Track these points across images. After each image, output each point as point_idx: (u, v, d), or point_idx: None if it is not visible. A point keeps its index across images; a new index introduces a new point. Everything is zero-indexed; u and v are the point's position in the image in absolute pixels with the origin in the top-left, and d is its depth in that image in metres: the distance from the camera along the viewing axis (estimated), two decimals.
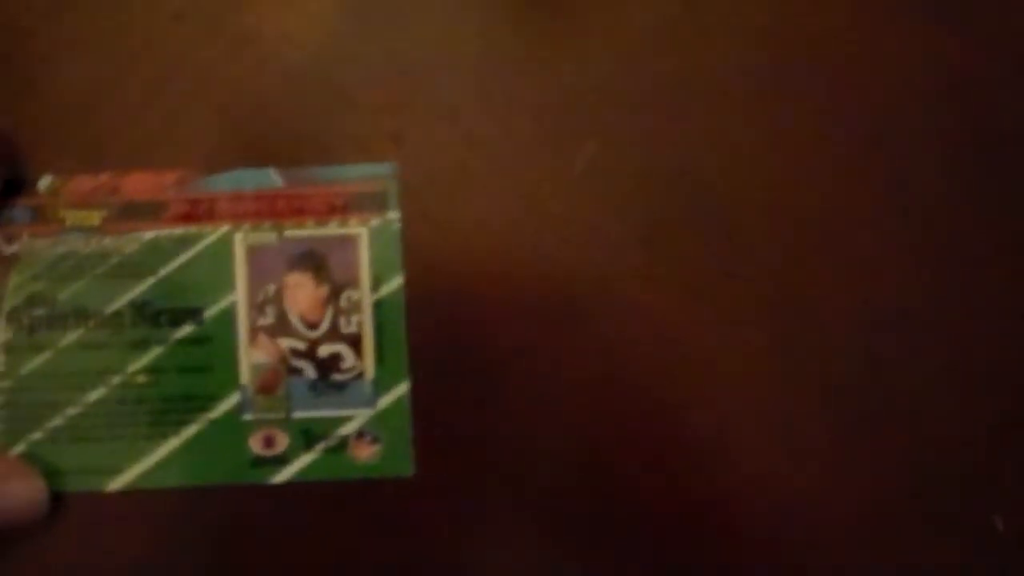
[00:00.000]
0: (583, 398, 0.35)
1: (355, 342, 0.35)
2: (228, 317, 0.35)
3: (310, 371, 0.35)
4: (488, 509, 0.35)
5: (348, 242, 0.35)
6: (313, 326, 0.35)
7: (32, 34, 0.36)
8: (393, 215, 0.36)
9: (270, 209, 0.35)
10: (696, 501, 0.35)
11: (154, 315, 0.35)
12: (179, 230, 0.35)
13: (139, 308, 0.35)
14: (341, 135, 0.36)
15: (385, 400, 0.35)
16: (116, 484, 0.35)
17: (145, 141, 0.36)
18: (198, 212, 0.35)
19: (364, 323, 0.35)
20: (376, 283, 0.35)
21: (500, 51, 0.36)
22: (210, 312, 0.35)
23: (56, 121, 0.36)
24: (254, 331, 0.35)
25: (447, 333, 0.35)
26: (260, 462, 0.35)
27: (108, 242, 0.35)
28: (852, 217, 0.36)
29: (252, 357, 0.35)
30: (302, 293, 0.35)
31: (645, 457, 0.35)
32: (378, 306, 0.35)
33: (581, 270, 0.36)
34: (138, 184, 0.35)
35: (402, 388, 0.35)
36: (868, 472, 0.35)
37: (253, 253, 0.35)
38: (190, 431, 0.35)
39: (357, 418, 0.35)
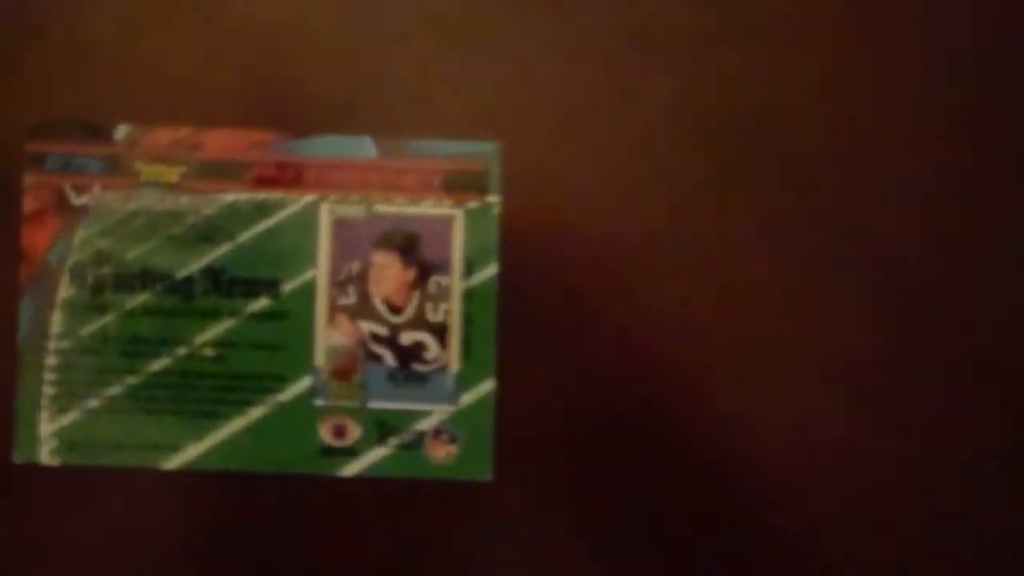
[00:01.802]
0: (684, 401, 0.33)
1: (441, 332, 0.33)
2: (307, 293, 0.33)
3: (390, 359, 0.33)
4: (566, 525, 0.32)
5: (442, 223, 0.33)
6: (397, 310, 0.33)
7: None
8: (493, 198, 0.33)
9: (361, 181, 0.33)
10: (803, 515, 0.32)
11: (228, 284, 0.33)
12: (261, 195, 0.33)
13: (212, 275, 0.33)
14: (432, 106, 0.33)
15: (468, 397, 0.33)
16: (172, 462, 0.33)
17: (230, 94, 0.33)
18: (284, 177, 0.33)
19: (452, 312, 0.33)
20: (468, 270, 0.33)
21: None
22: (288, 286, 0.33)
23: (136, 66, 0.33)
24: (333, 310, 0.33)
25: (540, 330, 0.33)
26: (329, 452, 0.33)
27: (184, 201, 0.33)
28: (932, 165, 0.33)
29: (329, 338, 0.33)
30: (388, 274, 0.33)
31: (742, 463, 0.32)
32: (469, 295, 0.33)
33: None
34: (221, 141, 0.33)
35: (487, 386, 0.33)
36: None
37: (339, 226, 0.33)
38: (256, 413, 0.33)
39: (436, 414, 0.33)
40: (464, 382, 0.33)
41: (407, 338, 0.33)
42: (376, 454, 0.33)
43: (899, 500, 0.33)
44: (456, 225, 0.33)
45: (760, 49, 0.33)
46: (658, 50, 0.33)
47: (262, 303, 0.33)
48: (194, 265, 0.33)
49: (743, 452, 0.33)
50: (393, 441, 0.33)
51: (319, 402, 0.33)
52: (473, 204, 0.33)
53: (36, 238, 0.33)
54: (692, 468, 0.33)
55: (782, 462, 0.33)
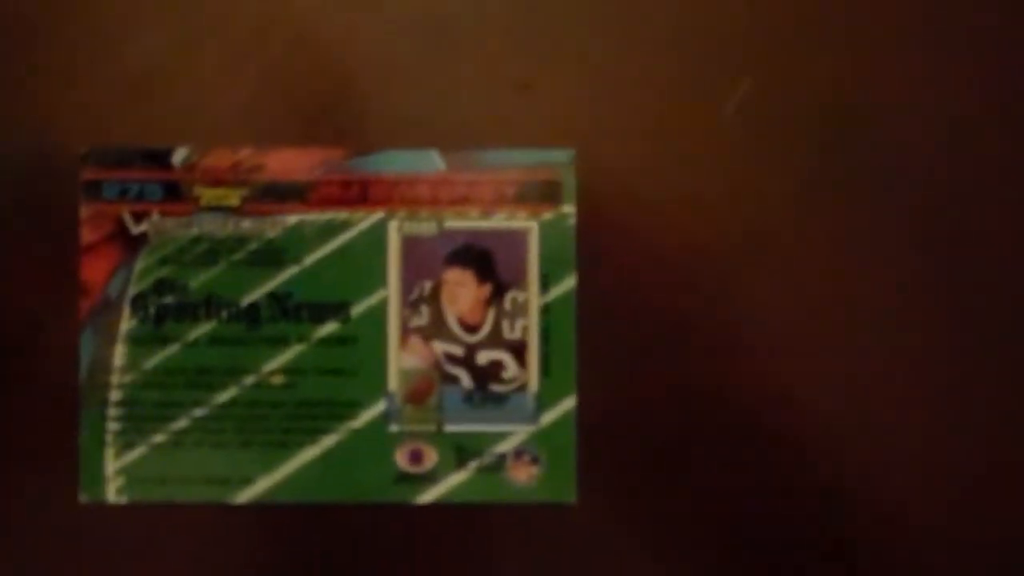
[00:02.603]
0: (766, 419, 0.31)
1: (519, 349, 0.31)
2: (377, 315, 0.31)
3: (466, 380, 0.31)
4: (652, 547, 0.31)
5: (516, 237, 0.31)
6: (472, 329, 0.31)
7: None
8: (568, 208, 0.32)
9: (430, 196, 0.32)
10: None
11: (295, 309, 0.31)
12: (327, 215, 0.32)
13: (278, 300, 0.31)
14: (501, 113, 0.32)
15: (549, 416, 0.31)
16: (244, 496, 0.31)
17: (290, 112, 0.32)
18: (349, 196, 0.32)
19: (530, 328, 0.31)
20: (545, 284, 0.31)
21: None
22: (357, 309, 0.31)
23: (192, 88, 0.32)
24: (406, 332, 0.31)
25: (621, 344, 0.31)
26: (405, 479, 0.31)
27: (247, 225, 0.32)
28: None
29: (402, 361, 0.31)
30: (462, 292, 0.31)
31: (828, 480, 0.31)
32: (546, 310, 0.31)
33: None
34: (283, 162, 0.32)
35: (568, 403, 0.31)
36: None
37: (409, 244, 0.31)
38: (329, 441, 0.31)
39: (517, 435, 0.31)
40: (544, 401, 0.31)
41: (484, 357, 0.31)
42: (455, 479, 0.31)
43: (1004, 516, 0.31)
44: (531, 238, 0.31)
45: (843, 47, 0.32)
46: (737, 50, 0.31)
47: (331, 327, 0.31)
48: (259, 291, 0.32)
49: (835, 471, 0.31)
50: (472, 465, 0.31)
51: (394, 428, 0.31)
52: (548, 215, 0.32)
53: (95, 270, 0.32)
54: (781, 486, 0.31)
55: (875, 481, 0.31)
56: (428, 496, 0.31)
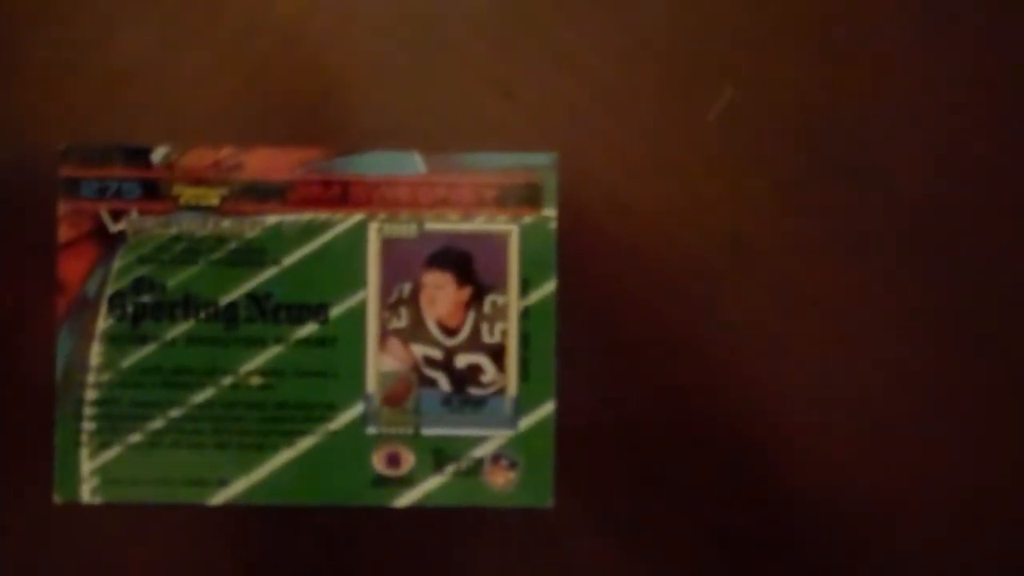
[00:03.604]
0: (747, 424, 0.31)
1: (497, 353, 0.31)
2: (356, 317, 0.31)
3: (444, 383, 0.31)
4: (630, 551, 0.31)
5: (496, 240, 0.31)
6: (451, 332, 0.31)
7: None
8: (549, 212, 0.31)
9: (411, 198, 0.31)
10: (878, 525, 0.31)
11: (273, 310, 0.31)
12: (307, 216, 0.31)
13: (257, 301, 0.31)
14: (480, 115, 0.32)
15: (527, 421, 0.31)
16: (219, 498, 0.31)
17: (271, 112, 0.32)
18: (329, 197, 0.31)
19: (509, 332, 0.31)
20: (525, 287, 0.31)
21: None
22: (336, 310, 0.31)
23: (173, 86, 0.32)
24: (384, 334, 0.31)
25: (600, 348, 0.31)
26: (382, 482, 0.31)
27: (226, 225, 0.31)
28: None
29: (380, 364, 0.31)
30: (441, 295, 0.31)
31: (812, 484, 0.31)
32: (526, 314, 0.31)
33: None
34: (263, 161, 0.31)
35: (547, 408, 0.31)
36: None
37: (388, 246, 0.31)
38: (306, 443, 0.31)
39: (494, 439, 0.31)
40: (523, 405, 0.31)
41: (462, 361, 0.31)
42: (432, 483, 0.31)
43: (993, 523, 0.31)
44: (511, 241, 0.31)
45: (825, 53, 0.32)
46: (719, 56, 0.31)
47: (310, 328, 0.31)
48: (238, 291, 0.31)
49: (817, 473, 0.31)
50: (450, 469, 0.31)
51: (371, 430, 0.31)
52: (528, 219, 0.31)
53: (73, 268, 0.31)
54: (761, 490, 0.31)
55: (860, 484, 0.31)
56: (405, 500, 0.31)
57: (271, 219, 0.31)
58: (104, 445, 0.31)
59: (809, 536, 0.31)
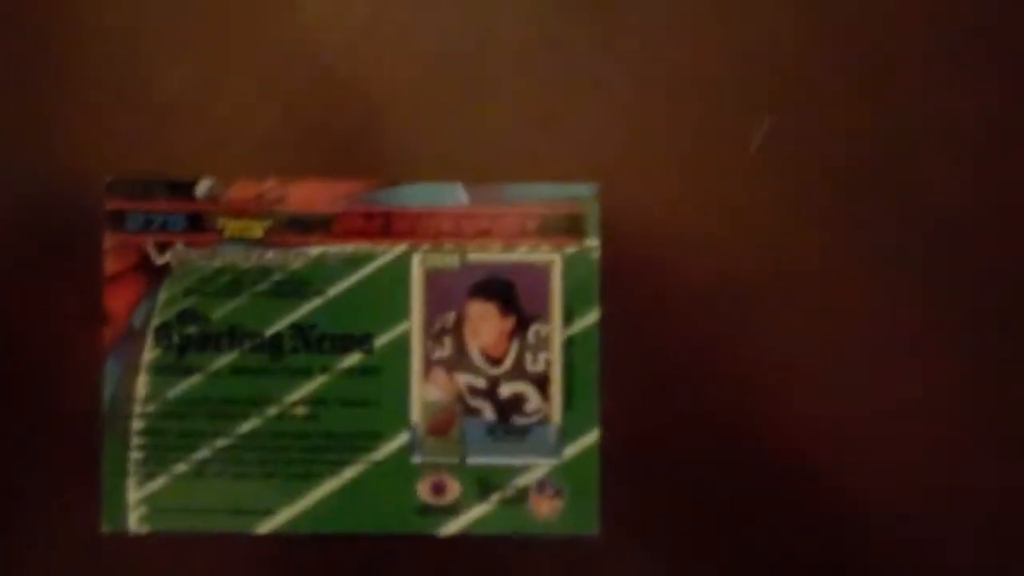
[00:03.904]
0: (791, 450, 0.31)
1: (541, 382, 0.31)
2: (400, 347, 0.31)
3: (489, 412, 0.31)
4: None
5: (539, 270, 0.32)
6: (495, 362, 0.32)
7: (196, 30, 0.33)
8: (591, 242, 0.32)
9: (453, 229, 0.32)
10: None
11: (318, 340, 0.31)
12: (350, 247, 0.32)
13: (302, 332, 0.31)
14: (524, 149, 0.32)
15: (572, 449, 0.31)
16: (265, 527, 0.31)
17: (314, 144, 0.32)
18: (372, 228, 0.32)
19: (553, 361, 0.31)
20: (568, 317, 0.31)
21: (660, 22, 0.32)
22: (381, 340, 0.31)
23: (216, 120, 0.32)
24: (429, 364, 0.31)
25: (644, 377, 0.31)
26: (428, 511, 0.31)
27: (270, 256, 0.32)
28: None
29: (425, 393, 0.31)
30: (485, 325, 0.31)
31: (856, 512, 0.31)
32: (570, 343, 0.31)
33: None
34: (306, 193, 0.32)
35: (591, 437, 0.31)
36: None
37: (432, 277, 0.32)
38: (351, 472, 0.31)
39: (539, 468, 0.31)
40: (567, 434, 0.31)
41: (506, 390, 0.32)
42: (477, 511, 0.31)
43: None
44: (554, 271, 0.32)
45: (866, 85, 0.32)
46: (760, 87, 0.31)
47: (354, 359, 0.32)
48: (282, 322, 0.32)
49: (862, 501, 0.31)
50: (495, 497, 0.31)
51: (416, 459, 0.31)
52: (571, 249, 0.32)
53: (119, 300, 0.32)
54: (807, 518, 0.31)
55: (909, 509, 0.31)
56: (450, 528, 0.31)
57: (315, 251, 0.32)
58: (151, 475, 0.31)
59: (859, 560, 0.31)
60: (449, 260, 0.32)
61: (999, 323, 0.32)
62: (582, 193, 0.32)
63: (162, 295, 0.32)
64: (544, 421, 0.31)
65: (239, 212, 0.32)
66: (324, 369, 0.32)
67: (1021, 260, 0.32)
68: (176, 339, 0.32)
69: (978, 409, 0.32)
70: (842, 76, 0.32)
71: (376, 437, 0.32)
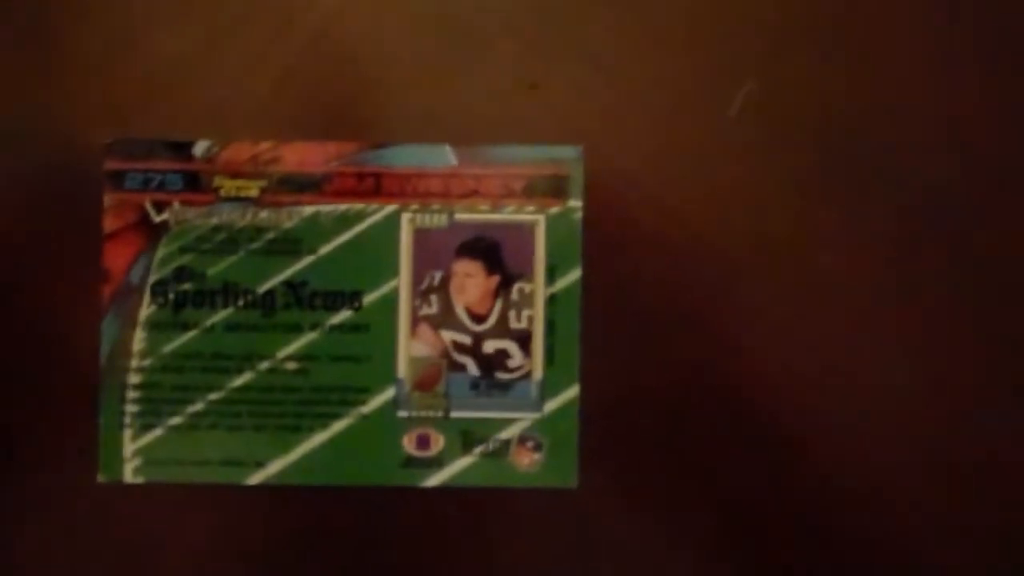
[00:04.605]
0: (766, 404, 0.32)
1: (524, 339, 0.32)
2: (389, 304, 0.32)
3: (473, 368, 0.32)
4: (653, 529, 0.32)
5: (524, 230, 0.33)
6: (480, 319, 0.33)
7: None
8: (575, 203, 0.33)
9: (441, 189, 0.33)
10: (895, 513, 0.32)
11: (309, 297, 0.33)
12: (342, 206, 0.33)
13: (294, 289, 0.33)
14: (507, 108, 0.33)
15: (552, 404, 0.32)
16: (256, 478, 0.32)
17: (307, 106, 0.33)
18: (363, 188, 0.33)
19: (536, 319, 0.32)
20: (551, 276, 0.32)
21: None
22: (370, 297, 0.32)
23: (213, 82, 0.33)
24: (416, 321, 0.33)
25: (623, 334, 0.32)
26: (413, 463, 0.32)
27: (265, 215, 0.33)
28: None
29: (412, 349, 0.32)
30: (471, 283, 0.32)
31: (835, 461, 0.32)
32: (552, 301, 0.32)
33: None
34: (300, 154, 0.33)
35: (571, 392, 0.32)
36: None
37: (420, 236, 0.33)
38: (339, 426, 0.32)
39: (521, 422, 0.32)
40: (548, 389, 0.32)
41: (490, 346, 0.33)
42: (461, 464, 0.32)
43: (1014, 505, 0.32)
44: (538, 231, 0.33)
45: (846, 49, 0.33)
46: (742, 51, 0.33)
47: (344, 315, 0.33)
48: (275, 279, 0.33)
49: (837, 449, 0.32)
50: (478, 450, 0.32)
51: (402, 413, 0.32)
52: (555, 209, 0.33)
53: (117, 257, 0.33)
54: (781, 469, 0.32)
55: (878, 459, 0.32)
56: (434, 480, 0.32)
57: (308, 210, 0.33)
58: (146, 427, 0.32)
59: (832, 511, 0.32)
60: (437, 220, 0.33)
61: (976, 288, 0.33)
62: (566, 155, 0.33)
63: (159, 252, 0.33)
64: (526, 377, 0.32)
65: (235, 172, 0.33)
66: (315, 325, 0.33)
67: (1000, 225, 0.33)
68: (172, 295, 0.33)
69: (954, 370, 0.32)
70: (822, 39, 0.33)
71: (364, 391, 0.32)
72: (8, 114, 0.33)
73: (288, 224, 0.33)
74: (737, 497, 0.32)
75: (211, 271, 0.33)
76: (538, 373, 0.32)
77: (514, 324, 0.32)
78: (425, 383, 0.32)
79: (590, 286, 0.32)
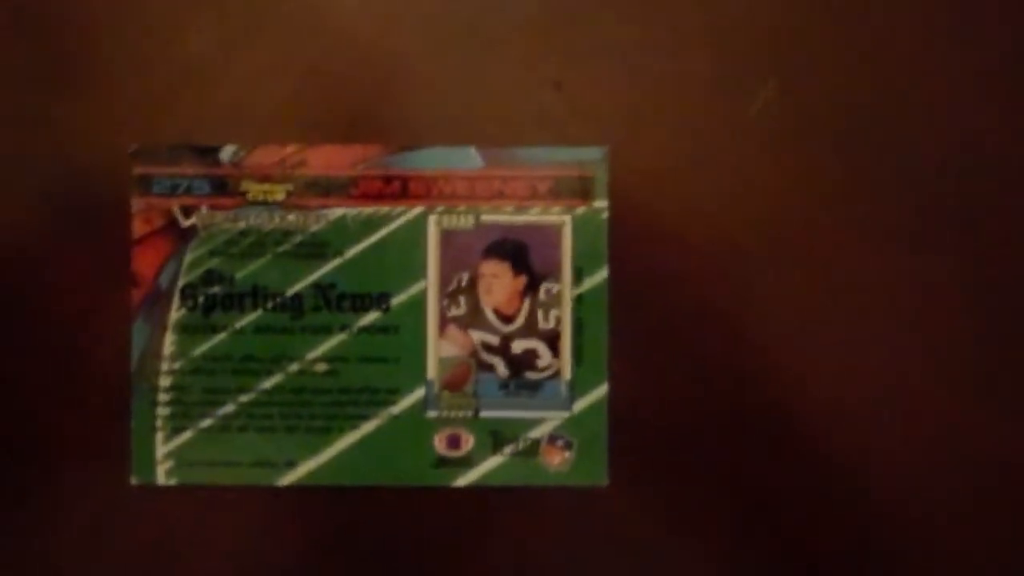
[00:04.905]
0: (791, 404, 0.32)
1: (552, 339, 0.33)
2: (417, 305, 0.33)
3: (502, 368, 0.33)
4: (682, 529, 0.32)
5: (550, 230, 0.33)
6: (508, 319, 0.33)
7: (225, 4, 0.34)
8: (600, 203, 0.33)
9: (468, 191, 0.33)
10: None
11: (338, 299, 0.33)
12: (369, 209, 0.33)
13: (322, 291, 0.33)
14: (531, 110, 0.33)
15: (582, 403, 0.33)
16: (287, 479, 0.33)
17: (333, 110, 0.33)
18: (390, 191, 0.33)
19: (564, 319, 0.33)
20: (578, 276, 0.33)
21: None
22: (398, 299, 0.33)
23: (239, 86, 0.33)
24: (444, 322, 0.33)
25: (651, 333, 0.33)
26: (443, 463, 0.33)
27: (292, 219, 0.33)
28: None
29: (441, 350, 0.33)
30: (498, 283, 0.33)
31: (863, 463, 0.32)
32: (579, 301, 0.33)
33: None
34: (326, 158, 0.33)
35: (601, 391, 0.33)
36: None
37: (447, 237, 0.33)
38: (370, 426, 0.33)
39: (550, 421, 0.33)
40: (577, 388, 0.33)
41: (519, 346, 0.33)
42: (491, 463, 0.33)
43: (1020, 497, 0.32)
44: (565, 231, 0.33)
45: (866, 50, 0.33)
46: (764, 51, 0.33)
47: (372, 317, 0.33)
48: (303, 281, 0.33)
49: (864, 452, 0.32)
50: (508, 450, 0.33)
51: (432, 414, 0.33)
52: (581, 210, 0.33)
53: (146, 261, 0.33)
54: (810, 468, 0.32)
55: (907, 462, 0.32)
56: (465, 480, 0.33)
57: (335, 213, 0.33)
58: (177, 430, 0.33)
59: (858, 512, 0.32)
60: (464, 221, 0.33)
61: (991, 284, 0.33)
62: (592, 156, 0.33)
63: (188, 257, 0.33)
64: (555, 376, 0.33)
65: (262, 176, 0.33)
66: (343, 327, 0.33)
67: (1017, 224, 0.33)
68: (201, 299, 0.33)
69: (967, 366, 0.33)
70: (842, 40, 0.33)
71: (393, 392, 0.33)
72: (35, 120, 0.33)
73: (315, 227, 0.33)
74: (765, 495, 0.32)
75: (239, 274, 0.33)
76: (567, 373, 0.33)
77: (542, 324, 0.33)
78: (454, 383, 0.33)
79: (617, 285, 0.33)
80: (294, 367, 0.33)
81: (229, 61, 0.33)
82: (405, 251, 0.33)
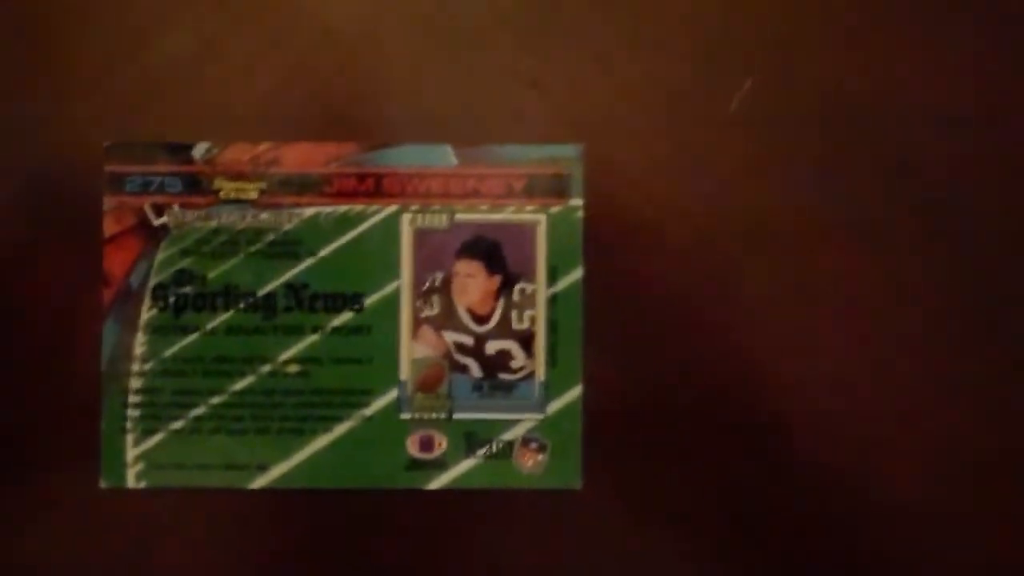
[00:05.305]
0: (769, 404, 0.32)
1: (526, 340, 0.32)
2: (390, 305, 0.32)
3: (475, 369, 0.32)
4: (658, 529, 0.32)
5: (525, 229, 0.32)
6: (482, 320, 0.32)
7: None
8: (576, 202, 0.32)
9: (442, 189, 0.32)
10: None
11: (310, 299, 0.32)
12: (342, 208, 0.32)
13: (295, 291, 0.32)
14: (510, 109, 0.33)
15: (556, 405, 0.32)
16: (259, 482, 0.32)
17: (307, 107, 0.33)
18: (363, 189, 0.33)
19: (538, 319, 0.32)
20: (553, 275, 0.32)
21: None
22: (371, 299, 0.32)
23: (212, 84, 0.33)
24: (417, 322, 0.32)
25: (626, 334, 0.32)
26: (416, 465, 0.32)
27: (264, 217, 0.33)
28: None
29: (414, 351, 0.32)
30: (472, 283, 0.32)
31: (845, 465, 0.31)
32: (554, 301, 0.32)
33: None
34: (299, 156, 0.33)
35: (575, 392, 0.32)
36: None
37: (421, 237, 0.32)
38: (342, 428, 0.32)
39: (524, 423, 0.32)
40: (552, 389, 0.32)
41: (492, 347, 0.32)
42: (464, 466, 0.32)
43: (1016, 499, 0.32)
44: (539, 230, 0.32)
45: (843, 46, 0.33)
46: (741, 49, 0.32)
47: (345, 317, 0.32)
48: (276, 281, 0.32)
49: (839, 450, 0.32)
50: (481, 452, 0.32)
51: (405, 415, 0.32)
52: (556, 209, 0.32)
53: (117, 261, 0.33)
54: (787, 469, 0.32)
55: (884, 460, 0.32)
56: (438, 482, 0.32)
57: (308, 211, 0.33)
58: (148, 432, 0.32)
59: (834, 512, 0.32)
60: (438, 220, 0.32)
61: (977, 282, 0.32)
62: (567, 154, 0.32)
63: (159, 256, 0.33)
64: (529, 377, 0.32)
65: (235, 174, 0.33)
66: (316, 328, 0.32)
67: (1001, 223, 0.32)
68: (173, 299, 0.33)
69: (954, 366, 0.32)
70: (821, 36, 0.33)
71: (366, 394, 0.32)
72: (7, 117, 0.33)
73: (288, 226, 0.33)
74: (741, 497, 0.32)
75: (211, 274, 0.33)
76: (541, 374, 0.32)
77: (516, 325, 0.32)
78: (428, 385, 0.32)
79: (592, 285, 0.32)
80: (266, 368, 0.32)
81: (204, 58, 0.33)
82: (379, 250, 0.32)
